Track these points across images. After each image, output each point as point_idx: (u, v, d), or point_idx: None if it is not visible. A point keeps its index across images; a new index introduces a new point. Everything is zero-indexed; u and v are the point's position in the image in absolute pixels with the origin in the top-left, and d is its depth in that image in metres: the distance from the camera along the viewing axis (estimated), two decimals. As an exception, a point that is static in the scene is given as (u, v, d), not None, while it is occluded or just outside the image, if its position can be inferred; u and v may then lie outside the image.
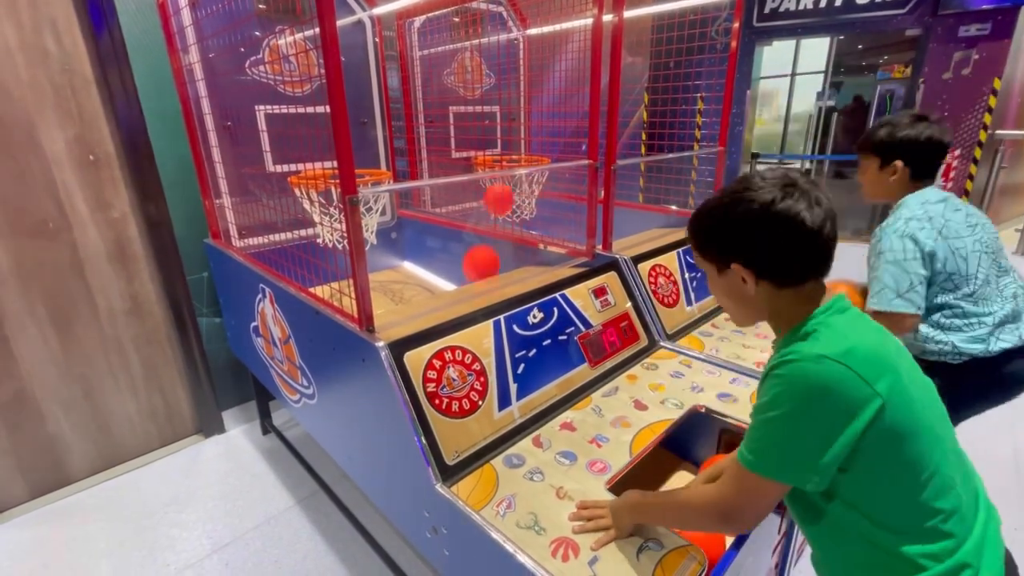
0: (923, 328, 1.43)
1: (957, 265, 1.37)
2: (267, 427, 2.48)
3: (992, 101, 4.74)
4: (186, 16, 1.85)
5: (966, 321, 1.39)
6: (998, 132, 4.73)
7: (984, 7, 4.52)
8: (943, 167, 1.46)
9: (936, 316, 1.41)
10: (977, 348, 1.37)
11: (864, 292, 1.64)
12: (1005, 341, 1.37)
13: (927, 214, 1.39)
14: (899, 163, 1.43)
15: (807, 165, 9.72)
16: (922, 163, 1.43)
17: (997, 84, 4.68)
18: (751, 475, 0.75)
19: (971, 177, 5.03)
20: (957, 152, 4.98)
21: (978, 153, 4.92)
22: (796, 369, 0.73)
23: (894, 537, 0.73)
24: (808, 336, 0.77)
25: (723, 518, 0.79)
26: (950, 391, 1.40)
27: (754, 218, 0.75)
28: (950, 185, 5.07)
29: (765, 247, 0.76)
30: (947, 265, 1.37)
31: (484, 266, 2.00)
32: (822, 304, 0.80)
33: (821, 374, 0.71)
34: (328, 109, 1.05)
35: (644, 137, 5.26)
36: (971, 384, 1.42)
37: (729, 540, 1.02)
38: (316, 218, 1.73)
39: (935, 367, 1.44)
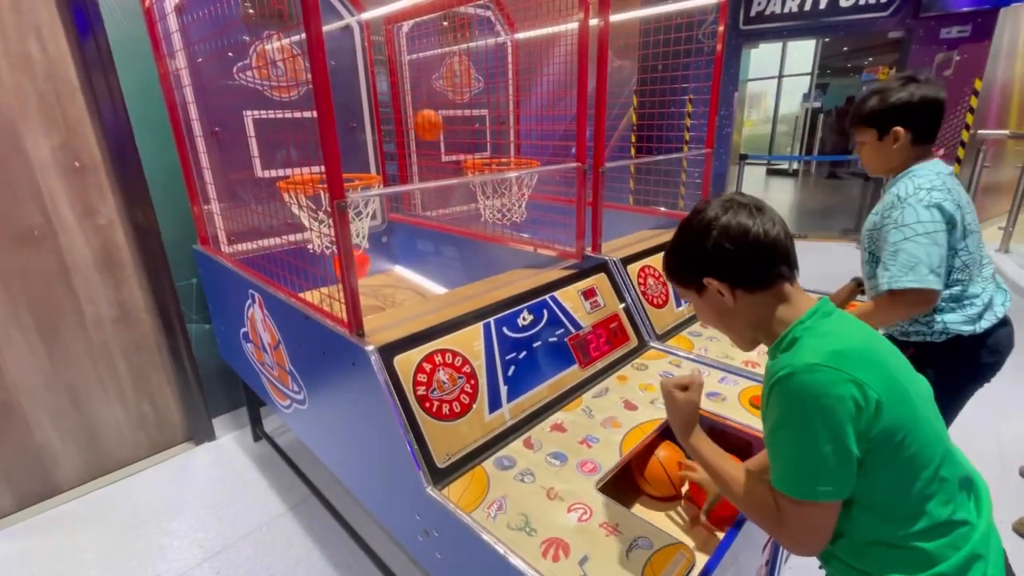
0: None
1: (966, 240, 1.35)
2: (258, 433, 2.47)
3: (974, 101, 4.83)
4: (172, 21, 1.85)
5: (960, 303, 1.38)
6: (980, 132, 4.82)
7: (964, 9, 4.61)
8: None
9: None
10: (967, 329, 1.37)
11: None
12: (987, 320, 1.38)
13: (944, 184, 1.32)
14: (899, 129, 1.36)
15: (795, 166, 9.83)
16: (922, 125, 1.36)
17: (978, 85, 4.77)
18: (794, 502, 0.74)
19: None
20: (940, 152, 5.06)
21: (961, 153, 5.00)
22: (792, 383, 0.73)
23: (908, 532, 0.74)
24: (794, 343, 0.79)
25: (790, 544, 0.79)
26: (937, 373, 1.40)
27: (707, 234, 0.83)
28: (934, 184, 5.14)
29: (724, 256, 0.83)
30: (957, 240, 1.33)
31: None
32: (805, 311, 0.82)
33: (816, 383, 0.71)
34: (315, 114, 1.05)
35: (633, 139, 5.30)
36: (957, 363, 1.42)
37: (720, 534, 1.03)
38: (305, 223, 1.73)
39: (918, 349, 1.44)
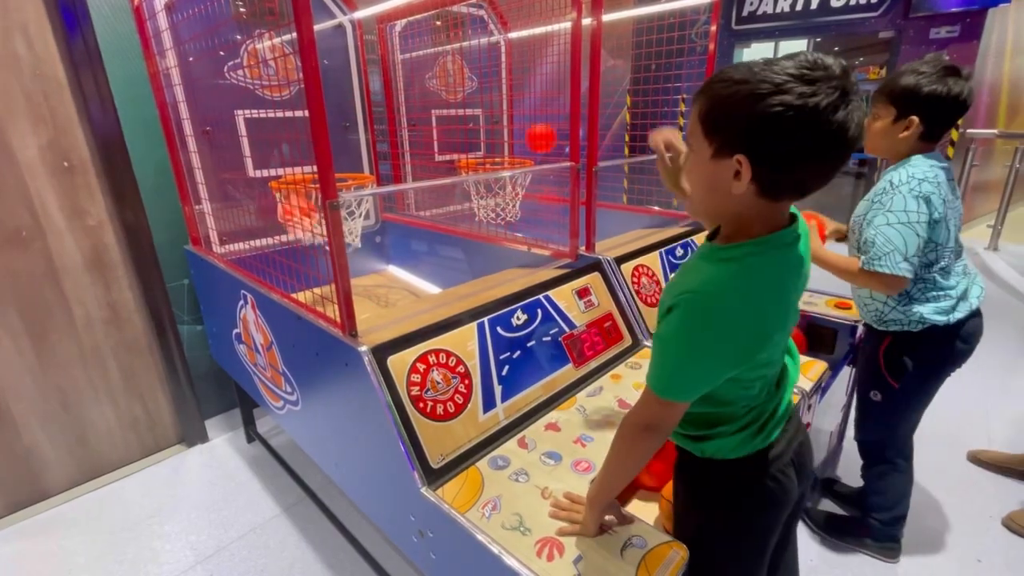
0: (889, 297, 1.46)
1: (947, 235, 1.39)
2: (251, 435, 2.45)
3: (963, 101, 4.86)
4: (162, 20, 1.83)
5: (935, 293, 1.43)
6: (969, 131, 4.86)
7: (953, 10, 4.65)
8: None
9: (909, 287, 1.43)
10: (940, 319, 1.42)
11: (834, 233, 1.67)
12: (960, 312, 1.43)
13: (936, 178, 1.34)
14: (915, 119, 1.33)
15: (787, 165, 9.87)
16: (940, 124, 1.34)
17: (967, 84, 4.80)
18: (665, 401, 0.80)
19: (945, 175, 5.15)
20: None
21: (951, 152, 5.04)
22: (704, 301, 0.73)
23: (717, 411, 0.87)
24: (731, 263, 0.75)
25: (647, 432, 0.85)
26: (915, 360, 1.50)
27: (798, 120, 0.62)
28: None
29: (792, 154, 0.65)
30: (939, 234, 1.37)
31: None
32: (777, 230, 0.76)
33: (725, 314, 0.73)
34: (307, 113, 1.05)
35: (627, 139, 5.31)
36: (933, 351, 1.48)
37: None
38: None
39: (895, 337, 1.50)
